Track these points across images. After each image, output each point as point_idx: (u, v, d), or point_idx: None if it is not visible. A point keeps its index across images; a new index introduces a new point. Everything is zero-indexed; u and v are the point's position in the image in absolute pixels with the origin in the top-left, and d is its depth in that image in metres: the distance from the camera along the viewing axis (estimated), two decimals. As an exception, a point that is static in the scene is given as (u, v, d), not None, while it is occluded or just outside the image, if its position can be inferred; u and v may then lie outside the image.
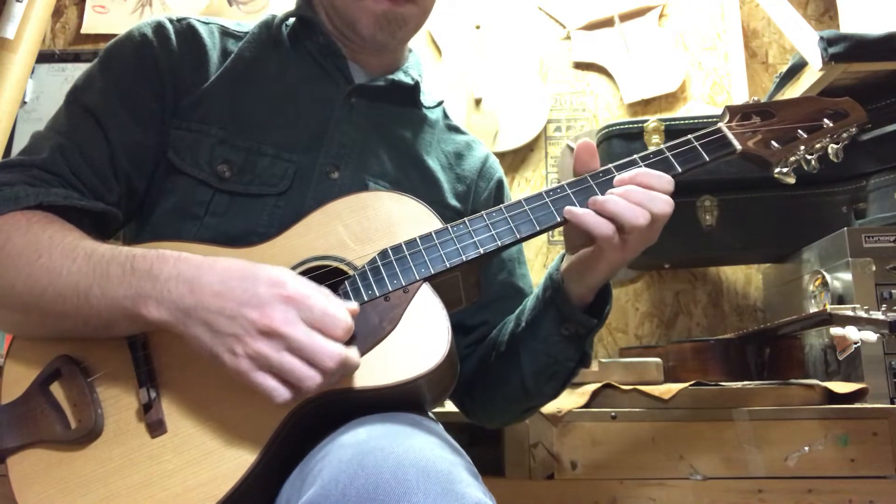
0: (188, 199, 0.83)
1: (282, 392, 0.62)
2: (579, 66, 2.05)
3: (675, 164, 0.79)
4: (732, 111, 0.85)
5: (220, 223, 0.82)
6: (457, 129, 1.06)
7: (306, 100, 0.91)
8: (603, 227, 0.73)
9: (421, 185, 0.94)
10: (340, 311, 0.64)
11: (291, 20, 0.95)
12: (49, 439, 0.69)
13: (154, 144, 0.85)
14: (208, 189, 0.83)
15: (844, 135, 0.84)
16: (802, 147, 0.83)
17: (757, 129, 0.83)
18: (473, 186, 1.01)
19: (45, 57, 2.05)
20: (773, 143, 0.82)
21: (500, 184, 1.05)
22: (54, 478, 0.67)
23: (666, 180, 0.76)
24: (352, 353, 0.64)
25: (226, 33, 0.93)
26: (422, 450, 0.57)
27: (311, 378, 0.61)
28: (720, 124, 0.84)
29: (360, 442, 0.58)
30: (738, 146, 0.81)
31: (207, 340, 0.64)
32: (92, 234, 0.75)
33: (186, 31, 0.89)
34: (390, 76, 0.95)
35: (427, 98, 1.03)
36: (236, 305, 0.63)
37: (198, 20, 0.92)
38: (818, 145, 0.83)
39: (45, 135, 0.82)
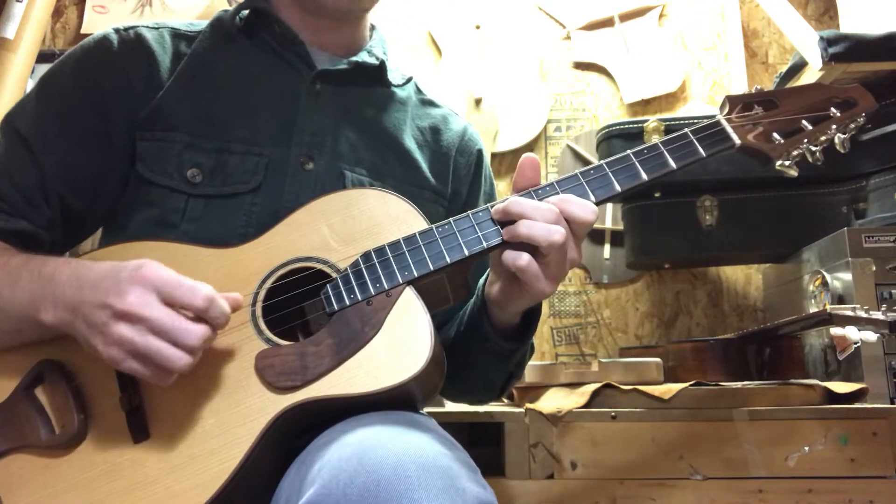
0: (163, 208, 0.82)
1: (155, 378, 0.63)
2: (579, 66, 2.05)
3: (670, 160, 0.76)
4: (733, 101, 0.80)
5: (198, 228, 0.81)
6: (431, 103, 1.03)
7: (269, 91, 0.89)
8: (520, 259, 0.70)
9: (399, 168, 0.93)
10: (197, 283, 0.65)
11: (245, 12, 0.92)
12: (34, 444, 0.68)
13: (95, 163, 0.84)
14: (181, 195, 0.82)
15: (852, 125, 0.79)
16: (806, 140, 0.77)
17: (758, 120, 0.78)
18: (452, 163, 0.98)
19: (45, 57, 2.04)
20: (774, 135, 0.77)
21: (479, 156, 1.02)
22: (40, 483, 0.67)
23: (591, 209, 0.72)
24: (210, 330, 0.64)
25: (177, 35, 0.91)
26: (421, 446, 0.57)
27: (180, 358, 0.62)
28: (719, 116, 0.79)
29: (359, 440, 0.58)
30: (738, 140, 0.76)
31: (86, 334, 0.65)
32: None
33: (133, 40, 0.87)
34: (354, 58, 0.93)
35: (395, 76, 1.00)
36: (102, 295, 0.64)
37: (146, 26, 0.90)
38: (823, 137, 0.78)
39: None
